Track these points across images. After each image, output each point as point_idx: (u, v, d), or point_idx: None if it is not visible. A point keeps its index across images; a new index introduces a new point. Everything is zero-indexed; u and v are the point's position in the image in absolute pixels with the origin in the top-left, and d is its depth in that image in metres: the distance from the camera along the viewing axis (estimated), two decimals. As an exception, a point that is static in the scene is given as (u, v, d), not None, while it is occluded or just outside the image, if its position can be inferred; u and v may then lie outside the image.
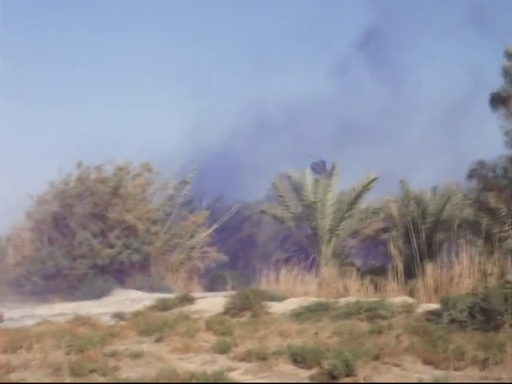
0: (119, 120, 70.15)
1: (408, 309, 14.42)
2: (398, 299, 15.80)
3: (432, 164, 44.06)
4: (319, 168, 38.58)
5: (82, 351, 11.49)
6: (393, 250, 23.12)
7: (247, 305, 16.01)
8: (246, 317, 15.54)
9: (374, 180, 26.24)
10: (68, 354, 11.39)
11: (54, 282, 26.58)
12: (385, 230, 26.34)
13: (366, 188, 26.25)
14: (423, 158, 48.86)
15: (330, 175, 26.70)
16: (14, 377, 9.90)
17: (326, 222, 26.12)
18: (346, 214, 26.30)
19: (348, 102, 58.11)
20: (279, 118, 54.67)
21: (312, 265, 24.62)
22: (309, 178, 26.90)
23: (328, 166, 36.89)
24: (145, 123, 69.68)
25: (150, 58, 79.02)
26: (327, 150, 44.94)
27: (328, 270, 23.38)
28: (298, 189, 27.15)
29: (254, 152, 50.35)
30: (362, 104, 60.04)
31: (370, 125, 55.70)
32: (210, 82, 74.05)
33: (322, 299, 17.08)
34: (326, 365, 9.75)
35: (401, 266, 21.70)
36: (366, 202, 27.18)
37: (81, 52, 79.33)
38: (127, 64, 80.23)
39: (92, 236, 27.32)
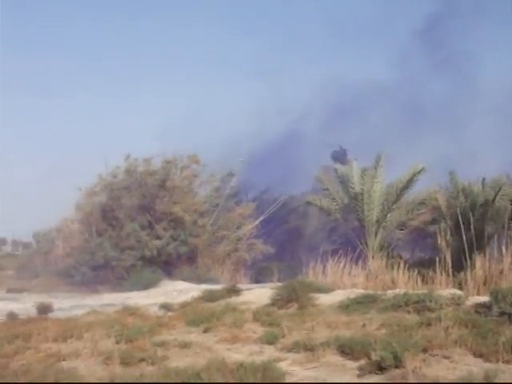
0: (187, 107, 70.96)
1: (457, 301, 14.24)
2: (447, 291, 15.62)
3: (491, 153, 43.25)
4: (340, 156, 38.65)
5: (131, 341, 11.60)
6: (441, 242, 22.92)
7: (294, 296, 16.00)
8: (293, 308, 15.53)
9: (420, 171, 25.94)
10: (118, 343, 11.52)
11: (102, 272, 26.91)
12: (433, 221, 26.10)
13: (412, 179, 25.97)
14: (482, 147, 48.04)
15: (376, 166, 26.46)
16: (64, 365, 10.03)
17: (372, 214, 25.93)
18: (393, 206, 26.08)
19: (410, 90, 57.51)
20: (342, 106, 54.24)
21: (359, 257, 24.48)
22: (355, 169, 26.72)
23: (349, 155, 37.34)
24: (216, 108, 70.37)
25: (221, 43, 79.85)
26: (387, 138, 44.33)
27: (375, 263, 23.28)
28: (344, 180, 27.02)
29: (315, 139, 49.99)
30: (423, 91, 59.34)
31: (431, 112, 55.06)
32: (279, 68, 74.77)
33: (370, 291, 17.00)
34: (374, 356, 9.70)
35: (449, 259, 21.51)
36: (414, 194, 26.91)
37: (146, 42, 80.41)
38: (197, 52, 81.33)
39: (140, 228, 27.60)
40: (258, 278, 27.57)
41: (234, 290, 18.92)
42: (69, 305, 20.02)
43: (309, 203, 29.24)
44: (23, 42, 79.50)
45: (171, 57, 79.41)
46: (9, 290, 24.91)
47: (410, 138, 47.21)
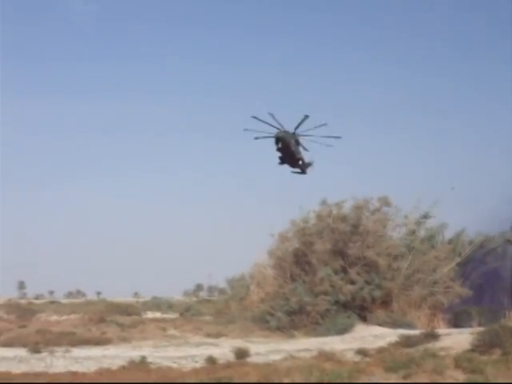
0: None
1: None
2: None
3: None
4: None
5: (330, 387, 11.49)
6: None
7: (497, 342, 15.29)
8: (496, 354, 14.84)
9: None
10: (316, 389, 11.45)
11: (297, 317, 26.98)
12: None
13: None
14: None
15: None
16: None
17: None
18: None
19: None
20: None
21: None
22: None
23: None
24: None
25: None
26: None
27: None
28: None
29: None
30: None
31: None
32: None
33: None
34: None
35: None
36: None
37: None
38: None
39: (333, 272, 27.54)
40: (456, 322, 26.67)
41: (431, 335, 18.43)
42: (265, 350, 20.21)
43: (509, 241, 28.08)
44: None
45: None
46: (207, 335, 25.53)
47: None
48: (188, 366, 17.35)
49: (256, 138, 22.56)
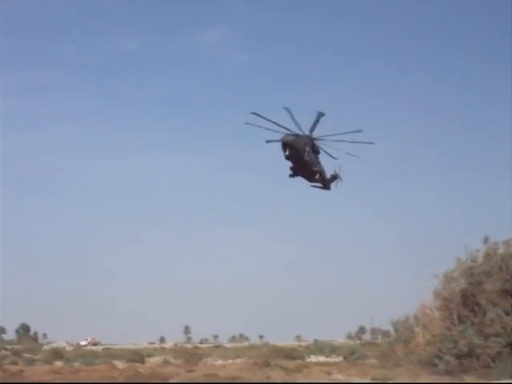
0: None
1: None
2: None
3: None
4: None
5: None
6: None
7: None
8: None
9: None
10: None
11: (466, 361, 26.09)
12: None
13: None
14: None
15: None
16: None
17: None
18: None
19: None
20: None
21: None
22: None
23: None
24: None
25: None
26: None
27: None
28: None
29: None
30: None
31: None
32: None
33: None
34: None
35: None
36: None
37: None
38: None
39: (504, 313, 26.49)
40: None
41: None
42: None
43: None
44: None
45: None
46: (373, 379, 25.11)
47: None
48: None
49: (268, 142, 18.69)
